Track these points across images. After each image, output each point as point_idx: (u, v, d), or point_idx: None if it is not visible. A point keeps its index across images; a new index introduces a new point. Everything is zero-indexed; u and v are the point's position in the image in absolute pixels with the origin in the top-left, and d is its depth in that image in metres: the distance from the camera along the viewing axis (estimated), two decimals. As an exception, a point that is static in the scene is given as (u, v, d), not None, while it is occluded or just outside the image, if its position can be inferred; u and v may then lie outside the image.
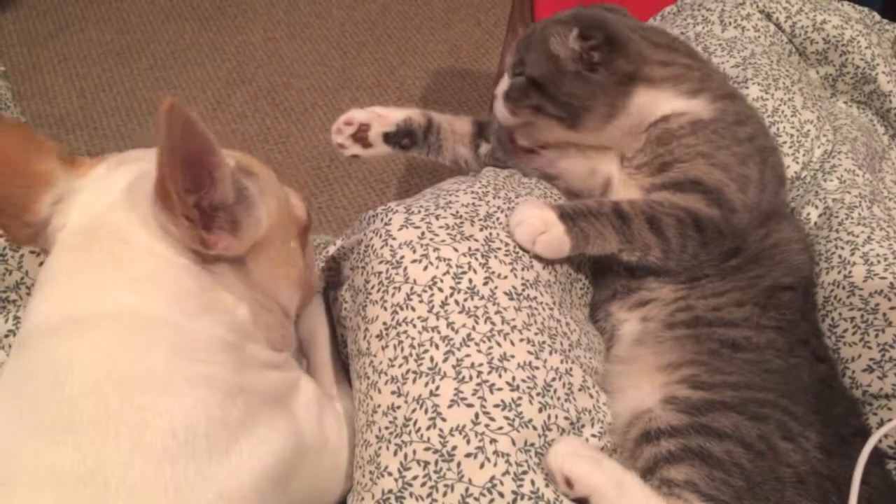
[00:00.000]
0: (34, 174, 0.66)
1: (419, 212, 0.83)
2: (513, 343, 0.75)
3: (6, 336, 0.82)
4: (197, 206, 0.62)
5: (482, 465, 0.68)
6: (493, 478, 0.68)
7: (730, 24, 1.25)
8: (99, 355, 0.59)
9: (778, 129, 1.07)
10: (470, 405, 0.71)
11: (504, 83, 0.94)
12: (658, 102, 0.90)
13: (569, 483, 0.69)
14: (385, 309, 0.77)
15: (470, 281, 0.78)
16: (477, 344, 0.74)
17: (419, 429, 0.70)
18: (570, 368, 0.78)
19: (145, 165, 0.65)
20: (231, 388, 0.63)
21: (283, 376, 0.72)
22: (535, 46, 0.90)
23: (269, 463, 0.63)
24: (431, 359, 0.73)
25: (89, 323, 0.61)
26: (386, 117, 1.01)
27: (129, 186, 0.66)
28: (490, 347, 0.74)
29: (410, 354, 0.74)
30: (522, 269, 0.82)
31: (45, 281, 0.64)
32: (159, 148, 0.58)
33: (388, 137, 1.01)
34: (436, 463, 0.69)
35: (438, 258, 0.78)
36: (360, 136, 1.00)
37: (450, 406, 0.71)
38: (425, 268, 0.78)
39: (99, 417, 0.57)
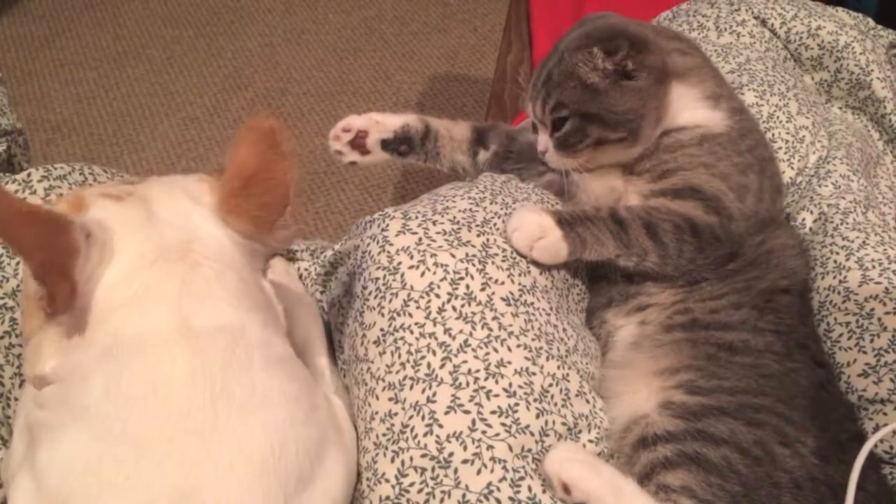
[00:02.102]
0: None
1: (416, 217, 0.83)
2: (510, 349, 0.75)
3: (1, 338, 0.81)
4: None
5: (479, 472, 0.68)
6: (490, 484, 0.68)
7: (725, 29, 1.26)
8: (209, 369, 0.60)
9: (773, 134, 1.08)
10: (467, 411, 0.71)
11: (544, 139, 0.92)
12: (684, 104, 0.90)
13: (566, 489, 0.69)
14: (382, 315, 0.77)
15: (467, 287, 0.78)
16: (474, 350, 0.74)
17: (416, 435, 0.70)
18: (567, 374, 0.78)
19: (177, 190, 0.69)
20: (308, 406, 0.66)
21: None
22: (565, 84, 0.88)
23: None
24: (428, 365, 0.73)
25: (197, 337, 0.62)
26: (383, 124, 1.00)
27: (189, 211, 0.68)
28: (487, 353, 0.74)
29: (408, 360, 0.74)
30: (519, 275, 0.82)
31: (132, 297, 0.63)
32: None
33: (385, 144, 1.00)
34: (433, 469, 0.69)
35: (436, 264, 0.79)
36: (358, 142, 1.00)
37: (447, 412, 0.71)
38: (422, 274, 0.78)
39: (205, 430, 0.58)
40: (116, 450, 0.57)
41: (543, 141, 0.93)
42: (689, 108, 0.90)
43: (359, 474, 0.73)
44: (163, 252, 0.65)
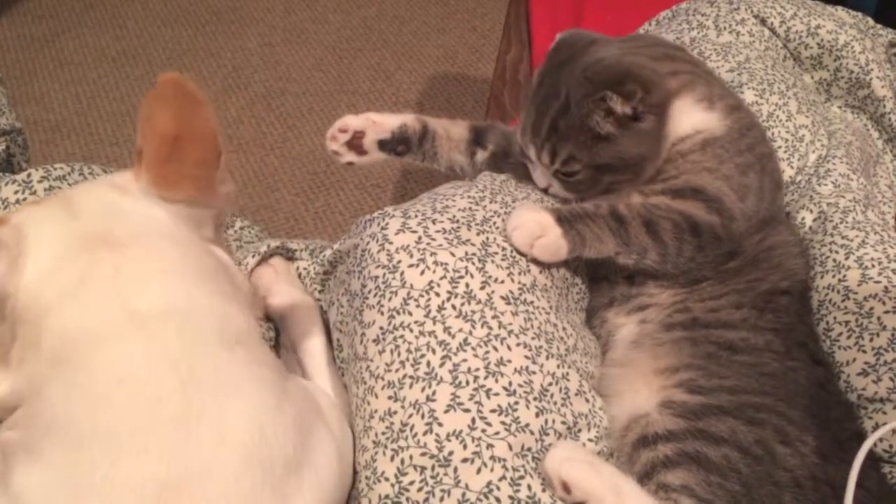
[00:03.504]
0: None
1: (416, 216, 0.83)
2: (510, 348, 0.75)
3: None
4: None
5: (479, 470, 0.68)
6: (489, 483, 0.68)
7: (724, 28, 1.25)
8: (169, 354, 0.58)
9: (773, 133, 1.08)
10: (467, 410, 0.71)
11: (544, 178, 0.92)
12: (682, 116, 0.89)
13: (566, 488, 0.69)
14: (382, 313, 0.77)
15: (467, 285, 0.78)
16: (474, 348, 0.74)
17: (416, 434, 0.70)
18: (567, 373, 0.78)
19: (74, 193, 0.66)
20: (278, 389, 0.64)
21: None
22: (575, 136, 0.86)
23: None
24: (428, 363, 0.73)
25: (146, 322, 0.59)
26: (381, 124, 1.00)
27: (114, 199, 0.65)
28: (487, 352, 0.74)
29: (407, 359, 0.74)
30: (519, 274, 0.82)
31: (65, 293, 0.60)
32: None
33: (383, 144, 1.00)
34: (432, 468, 0.69)
35: (435, 262, 0.79)
36: (355, 143, 0.99)
37: (446, 411, 0.71)
38: (422, 272, 0.78)
39: (181, 417, 0.56)
40: (90, 453, 0.55)
41: (545, 179, 0.92)
42: (686, 115, 0.90)
43: (357, 472, 0.73)
44: (88, 242, 0.62)
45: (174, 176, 0.65)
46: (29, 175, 0.89)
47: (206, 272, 0.66)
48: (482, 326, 0.76)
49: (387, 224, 0.82)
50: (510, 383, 0.73)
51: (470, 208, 0.86)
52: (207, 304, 0.63)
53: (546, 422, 0.73)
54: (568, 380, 0.77)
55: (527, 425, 0.72)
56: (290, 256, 0.99)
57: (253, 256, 0.93)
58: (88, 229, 0.63)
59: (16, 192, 0.88)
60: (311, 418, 0.69)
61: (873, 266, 0.90)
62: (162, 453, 0.55)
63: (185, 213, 0.67)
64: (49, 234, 0.63)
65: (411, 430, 0.71)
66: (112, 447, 0.55)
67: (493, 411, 0.71)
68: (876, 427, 0.81)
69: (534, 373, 0.75)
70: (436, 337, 0.75)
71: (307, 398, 0.72)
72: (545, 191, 0.94)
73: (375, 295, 0.78)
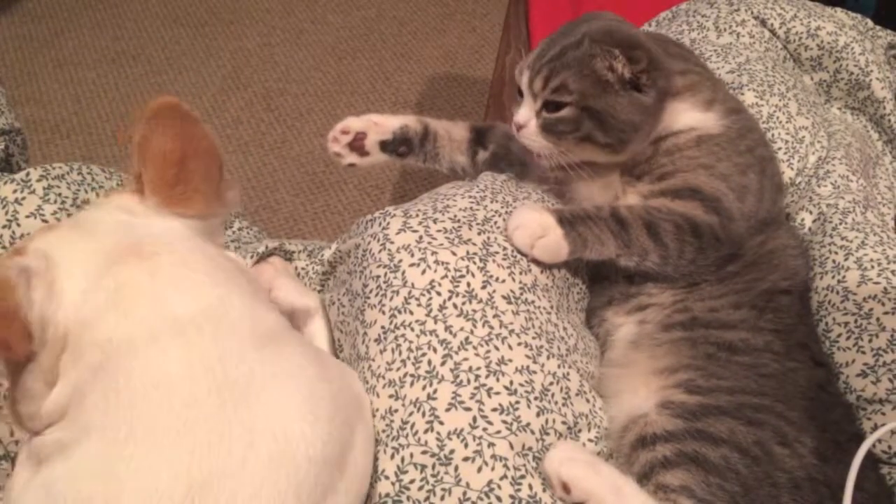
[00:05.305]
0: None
1: (417, 216, 0.83)
2: (511, 347, 0.75)
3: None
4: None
5: (480, 469, 0.68)
6: (490, 482, 0.68)
7: (725, 30, 1.26)
8: (205, 358, 0.59)
9: (773, 135, 1.08)
10: (468, 409, 0.71)
11: (528, 112, 0.89)
12: (678, 115, 0.90)
13: (566, 488, 0.69)
14: (383, 313, 0.77)
15: (468, 285, 0.78)
16: (475, 348, 0.74)
17: (416, 432, 0.70)
18: (568, 373, 0.78)
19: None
20: (320, 378, 0.65)
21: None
22: (577, 69, 0.85)
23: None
24: (429, 362, 0.73)
25: (184, 326, 0.60)
26: (382, 125, 1.00)
27: (127, 219, 0.66)
28: (488, 351, 0.74)
29: (408, 358, 0.74)
30: (520, 273, 0.82)
31: (104, 304, 0.61)
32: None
33: (384, 146, 1.00)
34: (433, 467, 0.69)
35: (436, 262, 0.79)
36: (357, 144, 1.00)
37: (447, 410, 0.71)
38: (423, 271, 0.78)
39: (214, 417, 0.57)
40: (125, 450, 0.56)
41: (525, 114, 0.89)
42: (682, 114, 0.90)
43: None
44: (117, 256, 0.63)
45: (184, 196, 0.67)
46: (28, 174, 0.89)
47: (232, 275, 0.67)
48: (483, 326, 0.76)
49: (388, 223, 0.82)
50: (511, 382, 0.73)
51: (471, 208, 0.86)
52: (238, 305, 0.64)
53: (547, 421, 0.73)
54: (569, 380, 0.78)
55: (528, 424, 0.72)
56: (288, 258, 0.99)
57: (251, 257, 0.93)
58: (113, 245, 0.64)
59: (14, 192, 0.88)
60: (350, 411, 0.69)
61: (872, 267, 0.90)
62: (194, 453, 0.56)
63: (199, 226, 0.69)
64: (75, 255, 0.63)
65: (412, 428, 0.71)
66: (146, 445, 0.56)
67: (494, 410, 0.71)
68: (875, 428, 0.81)
69: (535, 372, 0.75)
70: (437, 336, 0.75)
71: (346, 387, 0.72)
72: (518, 130, 0.89)
73: (377, 294, 0.78)
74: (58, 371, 0.61)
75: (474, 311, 0.77)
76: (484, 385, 0.72)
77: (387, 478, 0.69)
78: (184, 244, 0.66)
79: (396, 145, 1.01)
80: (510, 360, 0.74)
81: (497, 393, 0.72)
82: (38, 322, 0.60)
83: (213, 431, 0.57)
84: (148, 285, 0.62)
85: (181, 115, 0.66)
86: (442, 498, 0.67)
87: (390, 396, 0.73)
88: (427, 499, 0.67)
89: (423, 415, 0.71)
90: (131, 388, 0.58)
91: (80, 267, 0.62)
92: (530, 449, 0.71)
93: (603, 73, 0.85)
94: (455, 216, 0.84)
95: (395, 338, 0.75)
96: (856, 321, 0.87)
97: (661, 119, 0.89)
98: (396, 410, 0.72)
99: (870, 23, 1.33)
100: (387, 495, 0.68)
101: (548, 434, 0.73)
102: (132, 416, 0.58)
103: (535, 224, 0.83)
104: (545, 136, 0.88)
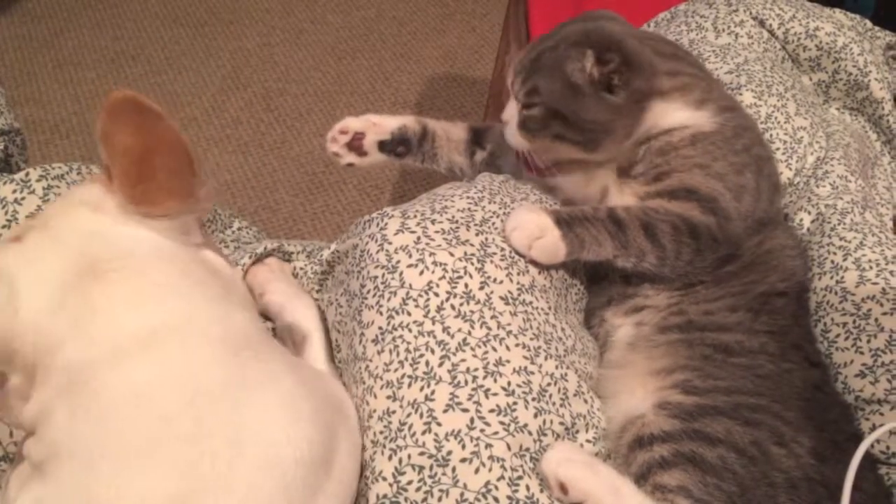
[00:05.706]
0: None
1: (415, 217, 0.83)
2: (508, 348, 0.75)
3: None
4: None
5: (477, 470, 0.68)
6: (488, 483, 0.68)
7: (723, 30, 1.26)
8: (175, 370, 0.58)
9: (771, 135, 1.08)
10: (465, 410, 0.71)
11: (512, 109, 0.91)
12: (666, 114, 0.89)
13: (563, 489, 0.69)
14: (381, 313, 0.77)
15: (466, 286, 0.78)
16: (472, 349, 0.74)
17: (414, 433, 0.70)
18: (566, 374, 0.78)
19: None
20: (297, 381, 0.64)
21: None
22: (549, 73, 0.87)
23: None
24: (427, 363, 0.73)
25: (147, 342, 0.59)
26: (381, 125, 1.01)
27: (92, 224, 0.64)
28: (486, 352, 0.74)
29: (406, 359, 0.74)
30: (518, 274, 0.82)
31: (65, 327, 0.60)
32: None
33: (383, 146, 1.01)
34: (431, 468, 0.69)
35: (434, 263, 0.79)
36: (356, 144, 1.00)
37: (445, 411, 0.71)
38: (421, 272, 0.78)
39: (192, 432, 0.56)
40: (98, 470, 0.55)
41: (511, 111, 0.92)
42: (672, 113, 0.90)
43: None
44: (76, 275, 0.61)
45: (150, 193, 0.64)
46: (27, 174, 0.89)
47: (200, 280, 0.65)
48: (481, 326, 0.76)
49: (386, 224, 0.82)
50: (509, 383, 0.73)
51: (469, 209, 0.86)
52: (206, 312, 0.63)
53: (544, 422, 0.73)
54: (566, 380, 0.78)
55: (525, 425, 0.72)
56: (287, 259, 0.99)
57: (250, 257, 0.93)
58: (74, 261, 0.62)
59: (14, 192, 0.88)
60: (331, 413, 0.69)
61: (871, 268, 0.90)
62: (173, 468, 0.55)
63: (169, 226, 0.66)
64: (37, 277, 0.62)
65: (409, 429, 0.71)
66: (120, 464, 0.55)
67: (491, 411, 0.71)
68: (873, 428, 0.81)
69: (532, 373, 0.75)
70: (435, 337, 0.75)
71: (324, 389, 0.72)
72: (503, 125, 0.93)
73: (374, 295, 0.78)
74: (31, 391, 0.61)
75: (472, 311, 0.77)
76: (481, 386, 0.72)
77: (384, 479, 0.69)
78: (148, 254, 0.64)
79: (395, 145, 1.01)
80: (508, 361, 0.75)
81: (495, 394, 0.72)
82: (4, 350, 0.60)
83: (193, 442, 0.56)
84: (105, 307, 0.60)
85: (140, 109, 0.62)
86: (439, 499, 0.67)
87: (388, 397, 0.73)
88: (425, 500, 0.67)
89: (421, 416, 0.71)
90: (98, 407, 0.57)
91: (42, 290, 0.61)
92: (528, 450, 0.71)
93: (572, 75, 0.86)
94: (453, 217, 0.84)
95: (393, 339, 0.75)
96: (854, 322, 0.87)
97: (642, 119, 0.88)
98: (394, 412, 0.72)
99: (868, 23, 1.33)
100: (384, 496, 0.68)
101: (545, 435, 0.73)
102: (102, 435, 0.56)
103: (533, 225, 0.83)
104: (523, 134, 0.90)
